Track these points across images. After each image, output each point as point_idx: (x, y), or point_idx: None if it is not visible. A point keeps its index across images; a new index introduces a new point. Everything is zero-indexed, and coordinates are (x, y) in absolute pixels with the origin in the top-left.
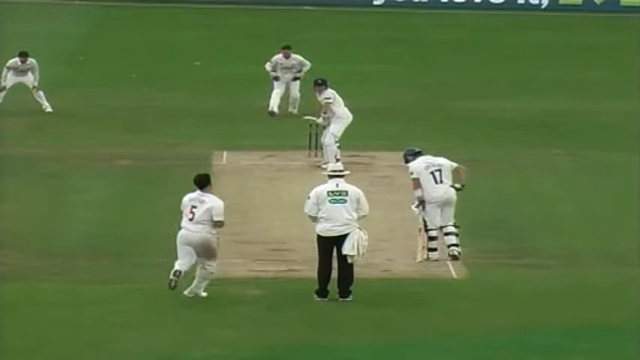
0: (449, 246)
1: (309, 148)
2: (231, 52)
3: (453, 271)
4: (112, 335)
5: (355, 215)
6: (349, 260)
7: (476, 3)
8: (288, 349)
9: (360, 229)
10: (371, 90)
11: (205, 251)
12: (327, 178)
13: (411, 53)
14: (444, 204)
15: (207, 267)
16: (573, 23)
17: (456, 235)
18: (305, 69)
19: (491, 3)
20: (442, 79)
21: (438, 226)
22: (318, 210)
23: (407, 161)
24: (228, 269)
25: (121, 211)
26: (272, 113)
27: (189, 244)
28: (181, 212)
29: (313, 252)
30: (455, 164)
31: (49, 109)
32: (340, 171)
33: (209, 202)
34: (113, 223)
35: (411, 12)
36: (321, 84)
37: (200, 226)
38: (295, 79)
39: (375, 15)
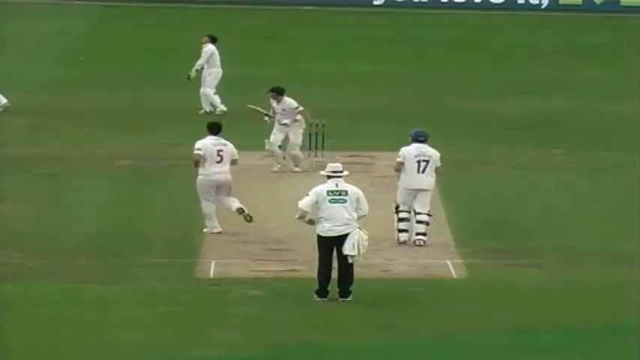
0: (416, 234)
1: (309, 148)
2: (231, 52)
3: (453, 271)
4: (111, 335)
5: (355, 215)
6: (350, 260)
7: (476, 3)
8: (288, 349)
9: (360, 229)
10: (371, 90)
11: (228, 189)
12: (325, 178)
13: (411, 53)
14: (418, 191)
15: (229, 201)
16: (573, 23)
17: (427, 224)
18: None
19: (491, 3)
20: (442, 79)
21: (410, 208)
22: (318, 209)
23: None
24: (228, 269)
25: (121, 211)
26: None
27: (219, 185)
28: (199, 161)
29: (313, 252)
30: (439, 163)
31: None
32: (340, 171)
33: (229, 145)
34: (113, 223)
35: (411, 12)
36: (282, 93)
37: (226, 167)
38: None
39: (375, 15)
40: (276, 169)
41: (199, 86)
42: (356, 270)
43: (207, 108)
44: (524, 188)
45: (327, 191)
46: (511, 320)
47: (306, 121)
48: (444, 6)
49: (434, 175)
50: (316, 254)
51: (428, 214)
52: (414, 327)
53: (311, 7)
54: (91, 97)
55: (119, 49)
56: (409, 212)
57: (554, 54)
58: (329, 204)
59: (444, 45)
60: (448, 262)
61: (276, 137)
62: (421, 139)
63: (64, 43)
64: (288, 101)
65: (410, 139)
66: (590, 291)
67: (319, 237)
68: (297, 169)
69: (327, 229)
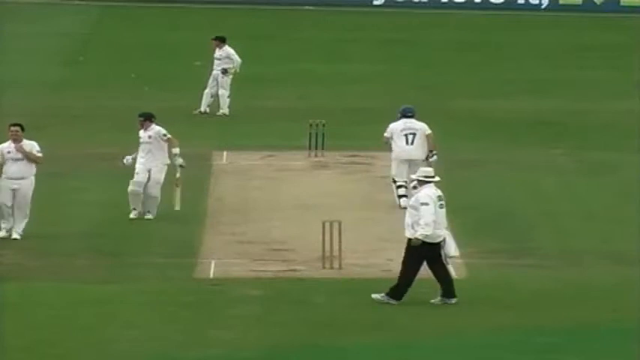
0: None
1: (309, 148)
2: None
3: (453, 271)
4: (112, 335)
5: None
6: (450, 262)
7: (476, 3)
8: (288, 349)
9: None
10: (371, 90)
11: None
12: (417, 183)
13: (411, 53)
14: (410, 162)
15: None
16: (573, 23)
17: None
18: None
19: (491, 3)
20: (442, 79)
21: (406, 177)
22: None
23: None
24: (228, 269)
25: (120, 211)
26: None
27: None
28: None
29: (313, 252)
30: (429, 131)
31: None
32: (432, 176)
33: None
34: (113, 222)
35: (411, 12)
36: (150, 118)
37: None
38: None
39: (375, 15)
40: (132, 215)
41: (204, 87)
42: (356, 270)
43: (204, 108)
44: (524, 188)
45: (437, 196)
46: (511, 320)
47: (172, 154)
48: (444, 6)
49: (423, 145)
50: (318, 254)
51: None
52: (414, 327)
53: (311, 7)
54: (91, 97)
55: (119, 49)
56: (405, 181)
57: (554, 54)
58: (438, 209)
59: (444, 45)
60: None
61: (140, 176)
62: (409, 114)
63: (64, 43)
64: (156, 128)
65: (398, 115)
66: (590, 291)
67: (424, 243)
68: (149, 215)
69: (436, 235)
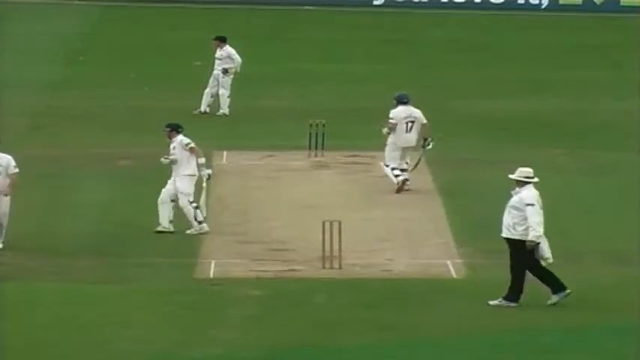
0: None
1: (309, 148)
2: None
3: (453, 271)
4: (112, 335)
5: None
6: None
7: (476, 3)
8: (288, 350)
9: None
10: (371, 90)
11: None
12: (515, 183)
13: (411, 53)
14: (405, 149)
15: None
16: (573, 23)
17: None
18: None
19: (491, 3)
20: (442, 79)
21: (399, 162)
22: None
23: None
24: (228, 269)
25: (121, 211)
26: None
27: None
28: None
29: (313, 252)
30: (425, 121)
31: None
32: (532, 177)
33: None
34: (113, 222)
35: (411, 12)
36: (177, 129)
37: None
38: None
39: (375, 15)
40: (159, 228)
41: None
42: (356, 270)
43: (204, 108)
44: None
45: (539, 195)
46: (511, 320)
47: (198, 165)
48: (444, 6)
49: (419, 132)
50: (318, 254)
51: (405, 163)
52: (414, 327)
53: (311, 7)
54: (91, 97)
55: (119, 49)
56: (399, 163)
57: (554, 54)
58: (541, 210)
59: (443, 45)
60: (448, 262)
61: (168, 186)
62: (405, 100)
63: (64, 43)
64: (179, 138)
65: (394, 102)
66: (590, 291)
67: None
68: (169, 225)
69: (542, 233)
